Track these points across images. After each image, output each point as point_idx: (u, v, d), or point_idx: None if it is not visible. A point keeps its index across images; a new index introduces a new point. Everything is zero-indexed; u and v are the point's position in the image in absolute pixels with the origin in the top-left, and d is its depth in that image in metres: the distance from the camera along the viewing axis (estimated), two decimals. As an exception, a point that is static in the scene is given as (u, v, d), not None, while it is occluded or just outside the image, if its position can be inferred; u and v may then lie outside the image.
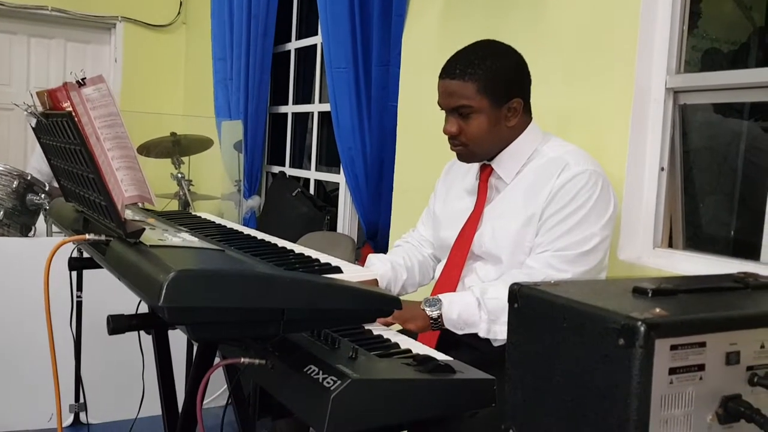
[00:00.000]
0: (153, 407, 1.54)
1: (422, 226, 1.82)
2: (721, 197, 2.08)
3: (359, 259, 2.99)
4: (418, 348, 1.20)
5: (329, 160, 3.87)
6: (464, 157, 1.59)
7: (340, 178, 3.38)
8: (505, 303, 1.41)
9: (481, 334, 1.46)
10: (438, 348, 1.29)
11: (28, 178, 3.22)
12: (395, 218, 2.76)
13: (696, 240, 1.89)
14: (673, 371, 0.71)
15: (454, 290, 1.58)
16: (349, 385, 0.91)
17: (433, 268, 1.77)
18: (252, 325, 0.92)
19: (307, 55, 4.07)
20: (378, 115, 2.80)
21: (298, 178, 3.95)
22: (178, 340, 1.50)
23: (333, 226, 3.44)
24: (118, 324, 1.10)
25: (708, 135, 1.99)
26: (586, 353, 0.74)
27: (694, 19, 1.85)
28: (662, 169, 1.80)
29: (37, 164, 3.88)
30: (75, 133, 1.04)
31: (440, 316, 1.46)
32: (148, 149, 3.69)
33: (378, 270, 1.66)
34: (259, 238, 1.36)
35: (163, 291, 0.82)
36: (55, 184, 3.39)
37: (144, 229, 1.03)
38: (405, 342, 1.24)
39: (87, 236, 1.09)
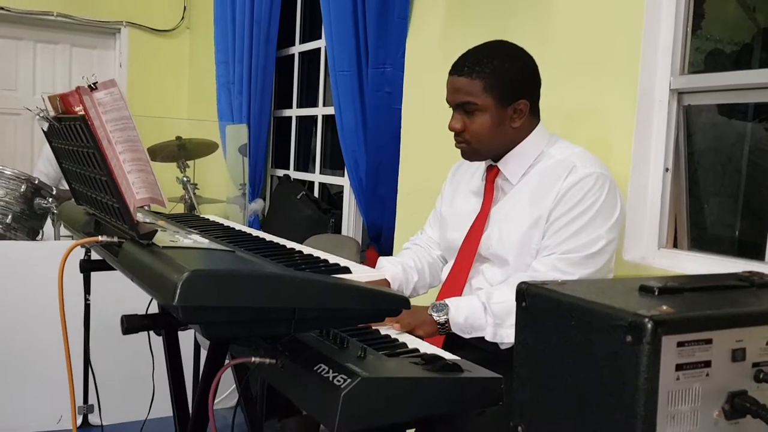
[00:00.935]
0: (160, 408, 1.55)
1: (430, 228, 1.83)
2: (726, 198, 2.09)
3: (364, 262, 3.00)
4: (426, 348, 1.22)
5: (333, 163, 3.89)
6: (467, 154, 1.61)
7: (344, 180, 3.40)
8: (510, 307, 1.44)
9: (488, 338, 1.47)
10: (444, 348, 1.30)
11: (36, 182, 3.24)
12: (399, 221, 2.78)
13: (700, 240, 1.89)
14: (679, 367, 0.72)
15: (461, 292, 1.60)
16: (359, 383, 0.92)
17: (442, 270, 1.78)
18: (263, 324, 0.93)
19: (311, 58, 4.09)
20: (382, 117, 2.81)
21: (302, 181, 3.97)
22: (183, 342, 1.52)
23: (337, 229, 3.45)
24: (131, 324, 1.12)
25: (712, 136, 2.00)
26: (594, 350, 0.75)
27: (697, 21, 1.85)
28: (667, 170, 1.81)
29: (44, 168, 3.91)
30: (88, 136, 1.05)
31: (447, 321, 1.47)
32: (155, 153, 3.71)
33: (388, 272, 1.67)
34: (267, 239, 1.38)
35: (178, 290, 0.83)
36: (62, 187, 3.42)
37: (157, 231, 1.05)
38: (412, 342, 1.25)
39: (100, 238, 1.11)
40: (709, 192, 2.00)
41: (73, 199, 3.58)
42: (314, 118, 3.98)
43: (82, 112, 1.14)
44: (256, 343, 1.11)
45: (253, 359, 1.03)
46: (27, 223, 3.23)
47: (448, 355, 1.13)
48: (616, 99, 1.85)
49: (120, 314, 1.41)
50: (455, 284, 1.62)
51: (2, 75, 5.09)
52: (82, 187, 1.32)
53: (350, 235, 3.39)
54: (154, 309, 1.33)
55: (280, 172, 4.19)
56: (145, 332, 1.27)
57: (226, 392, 2.70)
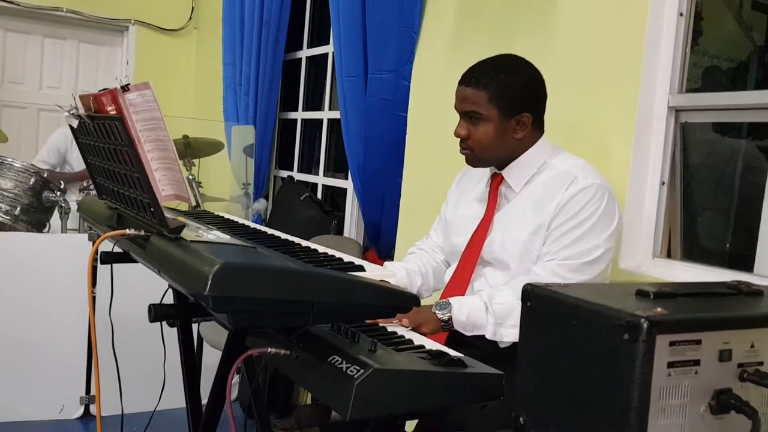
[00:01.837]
0: (167, 400, 1.59)
1: (434, 233, 1.90)
2: (718, 212, 2.15)
3: (366, 263, 3.04)
4: (431, 345, 1.28)
5: (337, 166, 3.94)
6: (470, 160, 1.68)
7: (347, 183, 3.46)
8: (510, 308, 1.51)
9: (488, 336, 1.54)
10: (447, 345, 1.37)
11: (45, 175, 3.29)
12: (402, 226, 2.82)
13: (693, 252, 1.95)
14: (671, 365, 0.77)
15: (464, 293, 1.66)
16: (372, 374, 0.98)
17: (445, 274, 1.84)
18: (285, 315, 0.99)
19: (318, 63, 4.15)
20: (383, 123, 2.85)
21: (306, 183, 4.03)
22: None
23: (340, 231, 3.51)
24: (159, 312, 1.18)
25: (707, 152, 2.06)
26: (593, 347, 0.80)
27: (695, 37, 1.91)
28: (663, 183, 1.87)
29: (47, 157, 4.00)
30: (123, 135, 1.12)
31: (450, 319, 1.54)
32: (161, 150, 3.76)
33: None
34: (282, 237, 1.44)
35: (209, 281, 0.90)
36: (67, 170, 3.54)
37: (185, 226, 1.11)
38: (418, 339, 1.32)
39: (127, 231, 1.17)
40: (702, 206, 2.06)
41: (79, 190, 3.61)
42: (319, 122, 4.04)
43: (114, 111, 1.20)
44: (272, 336, 1.18)
45: (269, 350, 1.09)
46: (34, 215, 3.28)
47: (452, 352, 1.20)
48: (617, 114, 1.91)
49: (124, 308, 1.48)
50: (458, 286, 1.68)
51: (9, 68, 5.12)
52: (108, 182, 1.38)
53: (352, 237, 3.45)
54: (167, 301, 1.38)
55: (284, 173, 4.25)
56: (153, 327, 1.32)
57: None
